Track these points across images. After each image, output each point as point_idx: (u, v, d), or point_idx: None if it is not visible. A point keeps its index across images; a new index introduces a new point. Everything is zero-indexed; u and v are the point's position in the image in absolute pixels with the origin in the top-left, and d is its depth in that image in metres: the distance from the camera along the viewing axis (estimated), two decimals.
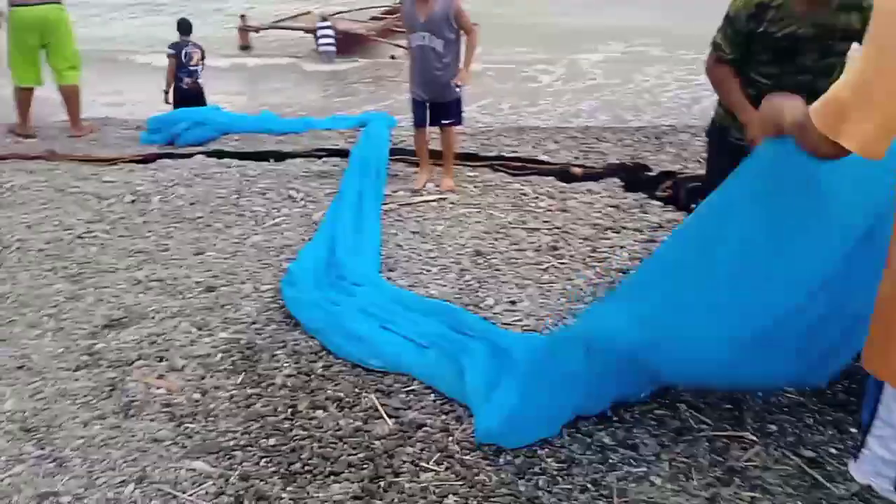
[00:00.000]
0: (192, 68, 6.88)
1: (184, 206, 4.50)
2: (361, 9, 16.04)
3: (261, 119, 6.29)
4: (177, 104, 6.83)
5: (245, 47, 15.26)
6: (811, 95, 1.59)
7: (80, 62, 6.16)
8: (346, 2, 16.18)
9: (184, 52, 6.89)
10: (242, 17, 15.72)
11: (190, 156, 5.42)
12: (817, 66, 2.69)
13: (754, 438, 2.33)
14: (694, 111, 8.28)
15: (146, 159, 5.41)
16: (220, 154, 5.42)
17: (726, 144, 2.96)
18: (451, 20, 4.35)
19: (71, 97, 6.14)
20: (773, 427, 2.38)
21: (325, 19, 14.43)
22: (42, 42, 5.86)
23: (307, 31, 14.68)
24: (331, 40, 13.80)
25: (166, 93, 6.91)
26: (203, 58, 6.98)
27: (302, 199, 4.57)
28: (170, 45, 6.98)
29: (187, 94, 6.85)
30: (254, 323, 3.15)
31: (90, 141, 6.17)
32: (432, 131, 4.78)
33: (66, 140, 6.22)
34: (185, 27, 7.00)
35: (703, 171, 4.60)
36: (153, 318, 3.22)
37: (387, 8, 15.99)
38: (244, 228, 4.19)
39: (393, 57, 11.54)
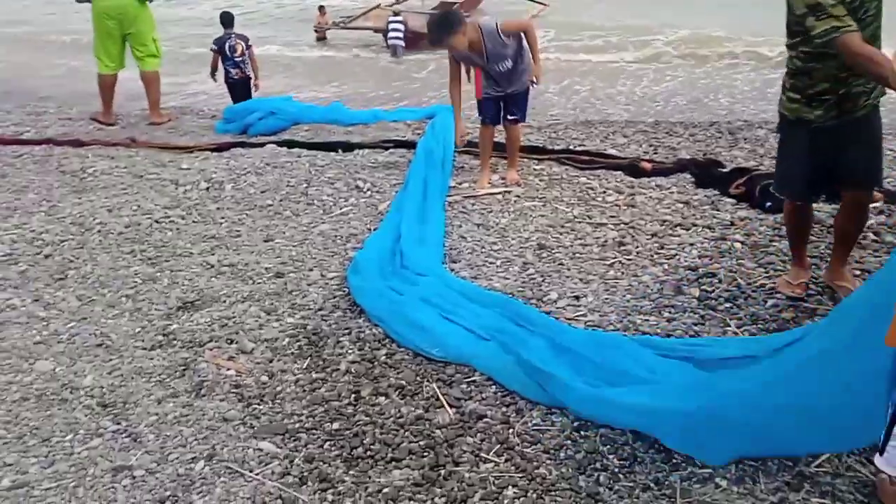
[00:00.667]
0: (237, 59, 7.03)
1: (255, 194, 4.61)
2: None
3: (330, 110, 6.40)
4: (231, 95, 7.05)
5: (321, 39, 15.60)
6: None
7: (161, 51, 6.37)
8: None
9: (227, 45, 7.05)
10: (321, 8, 16.02)
11: (262, 145, 5.56)
12: (872, 26, 2.68)
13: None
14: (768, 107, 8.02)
15: (220, 148, 5.58)
16: (290, 144, 5.53)
17: (801, 134, 2.86)
18: (503, 40, 4.35)
19: (151, 84, 6.36)
20: None
21: (397, 14, 14.56)
22: (123, 31, 6.09)
23: (376, 30, 14.85)
24: (400, 34, 13.91)
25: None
26: (249, 47, 7.15)
27: (368, 190, 4.63)
28: (214, 41, 7.17)
29: (236, 84, 7.07)
30: (320, 309, 3.21)
31: (168, 129, 6.38)
32: (497, 128, 4.79)
33: (145, 127, 6.45)
34: (227, 20, 7.14)
35: None
36: (224, 301, 3.32)
37: None
38: (312, 217, 4.28)
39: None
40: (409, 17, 14.47)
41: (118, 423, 2.50)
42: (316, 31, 15.44)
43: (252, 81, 7.15)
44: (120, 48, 6.18)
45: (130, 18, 6.03)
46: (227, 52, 7.03)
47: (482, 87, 4.58)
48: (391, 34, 13.95)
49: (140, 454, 2.33)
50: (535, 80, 4.46)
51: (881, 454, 1.59)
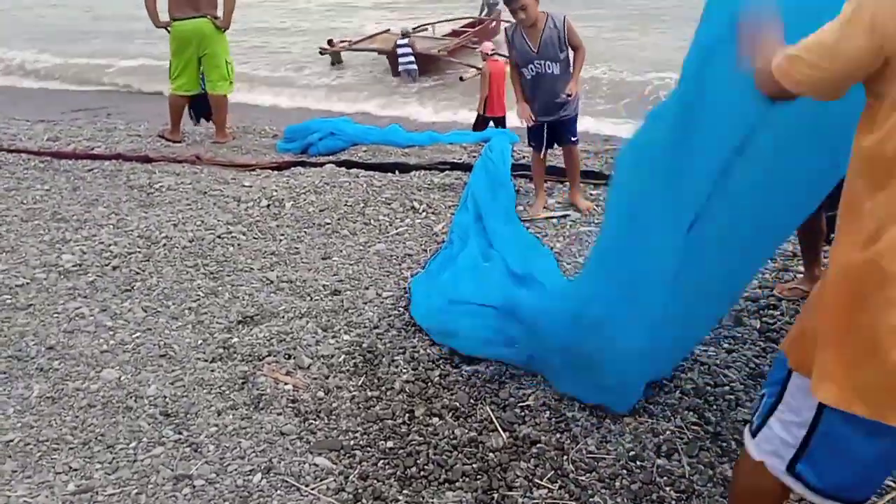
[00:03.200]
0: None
1: (314, 213, 4.71)
2: (440, 21, 16.23)
3: (387, 132, 6.49)
4: (191, 106, 7.16)
5: (335, 63, 15.90)
6: None
7: (234, 73, 6.57)
8: (427, 13, 16.56)
9: None
10: (330, 41, 16.38)
11: (321, 164, 5.67)
12: None
13: (892, 483, 2.19)
14: None
15: (281, 166, 5.71)
16: (349, 164, 5.62)
17: None
18: (564, 40, 4.31)
19: (219, 107, 6.56)
20: None
21: (405, 36, 14.68)
22: (199, 53, 6.31)
23: (381, 52, 15.05)
24: (411, 58, 14.06)
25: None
26: None
27: (424, 210, 4.68)
28: None
29: (200, 97, 7.03)
30: (375, 328, 3.25)
31: (232, 147, 6.56)
32: (551, 153, 4.78)
33: (210, 145, 6.65)
34: None
35: None
36: (283, 317, 3.39)
37: (467, 20, 16.12)
38: (369, 236, 4.34)
39: (461, 79, 11.69)
40: (417, 41, 14.66)
41: (180, 433, 2.57)
42: (321, 51, 15.60)
43: None
44: (195, 70, 6.39)
45: (206, 41, 6.24)
46: None
47: (531, 112, 4.50)
48: (402, 59, 14.11)
49: (200, 464, 2.39)
50: (569, 94, 4.36)
51: (753, 436, 1.61)
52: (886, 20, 1.27)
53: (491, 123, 8.20)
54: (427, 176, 5.30)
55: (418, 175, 5.34)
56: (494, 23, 16.67)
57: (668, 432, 2.48)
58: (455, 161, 5.65)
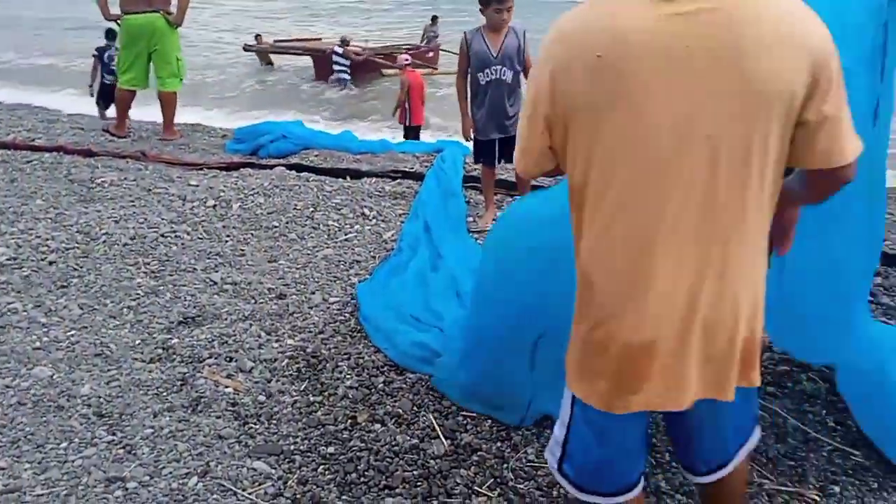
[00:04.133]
0: (113, 67, 8.44)
1: (262, 215, 4.65)
2: (380, 46, 16.39)
3: (340, 137, 6.47)
4: (100, 97, 9.26)
5: (268, 63, 15.82)
6: None
7: (184, 71, 6.46)
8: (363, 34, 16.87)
9: (107, 54, 9.24)
10: (257, 37, 16.24)
11: (271, 167, 5.61)
12: None
13: (816, 497, 2.27)
14: None
15: (230, 167, 5.63)
16: (299, 168, 5.58)
17: None
18: (523, 51, 4.41)
19: (168, 103, 6.44)
20: (836, 488, 2.31)
21: (344, 44, 14.77)
22: (150, 48, 6.19)
23: (305, 51, 15.10)
24: (345, 67, 14.17)
25: (91, 87, 9.61)
26: None
27: (374, 218, 4.67)
28: (96, 49, 9.45)
29: (107, 90, 8.87)
30: (320, 333, 3.23)
31: (179, 145, 6.44)
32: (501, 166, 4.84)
33: (155, 142, 6.52)
34: (111, 35, 9.05)
35: None
36: (225, 319, 3.33)
37: (407, 47, 16.32)
38: (317, 241, 4.31)
39: (382, 74, 12.00)
40: (351, 52, 14.77)
41: (113, 434, 2.50)
42: (246, 48, 15.49)
43: None
44: (145, 66, 6.26)
45: (158, 36, 6.13)
46: (105, 60, 9.22)
47: (481, 127, 4.57)
48: (336, 67, 14.24)
49: (134, 466, 2.34)
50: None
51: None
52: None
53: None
54: (378, 183, 5.29)
55: (370, 182, 5.33)
56: (432, 53, 16.88)
57: None
58: (407, 170, 5.66)
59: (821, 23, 1.34)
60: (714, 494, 1.80)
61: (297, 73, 15.55)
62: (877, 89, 2.16)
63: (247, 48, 15.46)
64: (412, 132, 9.04)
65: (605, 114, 1.36)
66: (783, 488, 2.30)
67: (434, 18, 17.92)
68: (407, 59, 9.72)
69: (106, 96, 8.96)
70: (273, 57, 16.16)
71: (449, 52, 16.22)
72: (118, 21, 6.24)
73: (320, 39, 16.85)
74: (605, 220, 1.43)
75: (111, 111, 9.43)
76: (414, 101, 8.88)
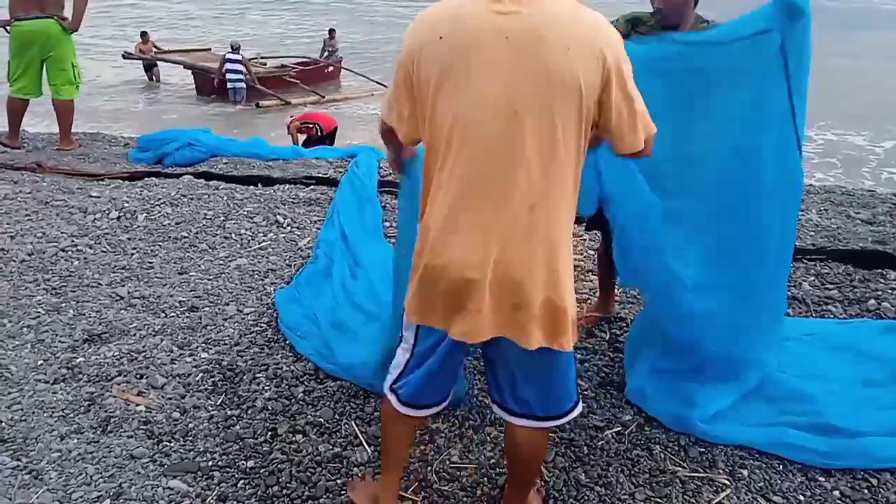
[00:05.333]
0: None
1: (169, 226, 4.50)
2: (274, 57, 16.03)
3: (250, 143, 6.33)
4: None
5: (151, 73, 14.98)
6: None
7: (81, 78, 6.18)
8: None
9: None
10: (143, 34, 15.44)
11: (178, 176, 5.44)
12: None
13: (726, 482, 2.39)
14: None
15: (134, 177, 5.42)
16: (208, 176, 5.43)
17: None
18: None
19: (64, 112, 6.14)
20: (744, 472, 2.44)
21: (235, 50, 13.83)
22: (42, 55, 5.89)
23: (186, 66, 14.48)
24: (241, 76, 13.41)
25: None
26: None
27: (288, 225, 4.60)
28: None
29: None
30: (236, 345, 3.16)
31: (78, 155, 6.16)
32: None
33: (52, 153, 6.21)
34: None
35: None
36: (134, 335, 3.21)
37: (302, 59, 16.01)
38: (229, 251, 4.21)
39: (258, 105, 11.67)
40: (249, 64, 14.10)
41: (18, 460, 2.37)
42: (126, 56, 14.72)
43: None
44: (37, 73, 5.95)
45: (52, 42, 5.83)
46: None
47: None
48: (231, 76, 13.47)
49: (41, 492, 2.22)
50: None
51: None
52: None
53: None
54: (292, 190, 5.21)
55: (282, 189, 5.24)
56: (332, 68, 16.54)
57: None
58: (321, 175, 5.60)
59: (614, 32, 1.67)
60: (521, 443, 2.00)
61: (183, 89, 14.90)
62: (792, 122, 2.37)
63: (126, 56, 14.56)
64: (320, 141, 8.95)
65: (442, 85, 1.66)
66: (695, 475, 2.41)
67: (331, 32, 17.58)
68: (287, 121, 9.60)
69: None
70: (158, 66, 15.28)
71: (351, 70, 15.92)
72: (6, 27, 5.91)
73: (209, 50, 16.09)
74: (438, 179, 1.73)
75: None
76: (315, 119, 8.92)
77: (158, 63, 15.34)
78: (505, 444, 2.14)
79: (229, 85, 13.49)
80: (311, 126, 9.10)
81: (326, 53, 17.25)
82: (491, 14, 1.63)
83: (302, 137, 9.25)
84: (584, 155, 1.73)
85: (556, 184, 1.68)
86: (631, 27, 3.08)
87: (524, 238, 1.68)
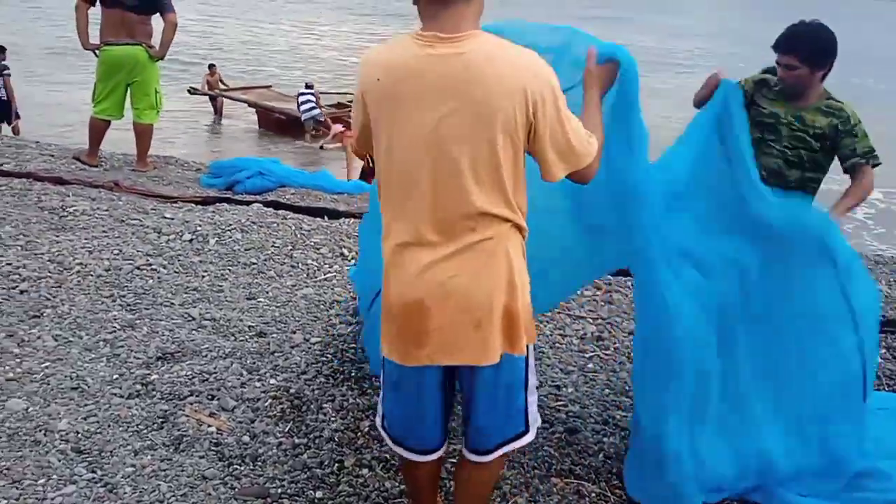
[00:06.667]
0: None
1: (239, 251, 4.61)
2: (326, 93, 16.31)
3: (317, 176, 6.49)
4: None
5: (218, 110, 15.47)
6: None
7: (162, 103, 6.43)
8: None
9: None
10: (211, 67, 15.93)
11: (248, 203, 5.58)
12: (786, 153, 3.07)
13: None
14: None
15: (206, 201, 5.57)
16: (277, 205, 5.56)
17: None
18: None
19: (143, 135, 6.39)
20: None
21: (309, 87, 14.70)
22: (128, 80, 6.15)
23: (251, 104, 14.99)
24: (313, 104, 14.02)
25: None
26: (2, 74, 10.78)
27: (353, 258, 4.67)
28: None
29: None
30: (303, 373, 3.20)
31: (152, 177, 6.37)
32: None
33: (128, 173, 6.43)
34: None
35: None
36: (205, 356, 3.28)
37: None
38: (296, 279, 4.29)
39: (322, 147, 12.03)
40: (293, 103, 14.63)
41: (93, 472, 2.43)
42: (192, 91, 15.09)
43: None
44: (121, 97, 6.22)
45: (139, 68, 6.10)
46: None
47: None
48: (304, 107, 14.08)
49: None
50: None
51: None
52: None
53: None
54: (357, 224, 5.29)
55: (348, 222, 5.33)
56: None
57: (593, 494, 2.55)
58: None
59: (542, 67, 1.78)
60: (462, 478, 2.11)
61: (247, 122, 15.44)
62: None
63: (192, 92, 15.12)
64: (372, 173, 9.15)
65: (382, 120, 1.84)
66: None
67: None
68: (339, 129, 9.93)
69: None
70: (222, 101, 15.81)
71: None
72: (96, 51, 6.20)
73: (270, 87, 16.61)
74: (385, 210, 1.89)
75: (6, 129, 10.98)
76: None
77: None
78: (455, 480, 2.19)
79: (306, 116, 13.98)
80: (365, 156, 9.26)
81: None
82: (423, 57, 1.77)
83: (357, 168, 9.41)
84: (523, 180, 1.86)
85: (496, 201, 1.80)
86: (756, 88, 3.08)
87: (473, 258, 1.81)
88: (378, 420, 2.10)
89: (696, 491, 2.41)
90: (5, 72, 10.95)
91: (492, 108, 1.73)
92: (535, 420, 2.05)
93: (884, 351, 3.79)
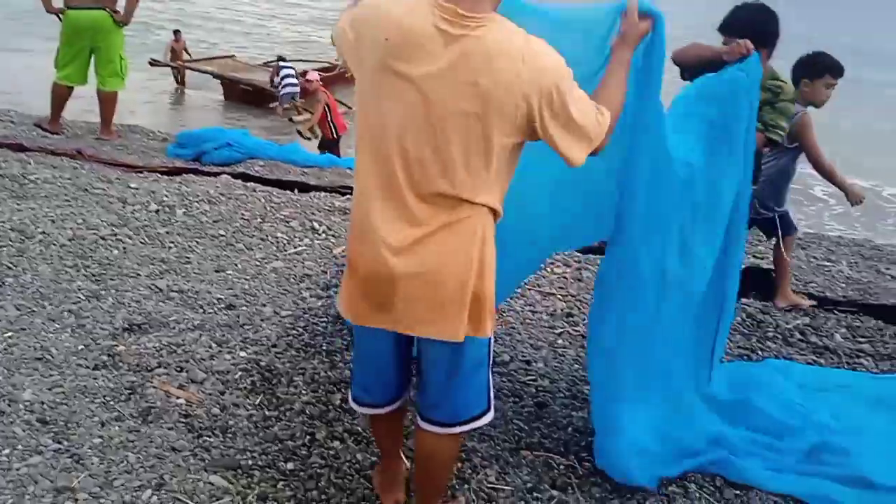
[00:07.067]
0: None
1: (207, 223, 4.55)
2: (297, 61, 16.02)
3: (287, 149, 6.40)
4: None
5: (180, 81, 15.15)
6: None
7: (127, 70, 6.27)
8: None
9: None
10: (176, 32, 15.48)
11: (216, 174, 5.49)
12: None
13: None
14: None
15: (172, 171, 5.48)
16: (245, 177, 5.48)
17: None
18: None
19: (108, 102, 6.24)
20: None
21: (283, 59, 14.35)
22: (92, 45, 5.99)
23: (215, 76, 14.66)
24: (294, 82, 13.51)
25: None
26: None
27: (324, 232, 4.64)
28: None
29: None
30: (273, 346, 3.18)
31: (116, 146, 6.23)
32: None
33: (92, 141, 6.28)
34: None
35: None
36: (174, 328, 3.24)
37: (322, 65, 16.00)
38: (266, 252, 4.24)
39: (291, 119, 11.99)
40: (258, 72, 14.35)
41: (59, 443, 2.39)
42: (153, 63, 14.49)
43: None
44: (85, 62, 6.05)
45: (102, 33, 5.93)
46: None
47: None
48: (285, 81, 13.70)
49: (83, 477, 2.24)
50: None
51: None
52: None
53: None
54: (327, 198, 5.25)
55: (318, 196, 5.28)
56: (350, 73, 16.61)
57: (562, 467, 2.58)
58: None
59: (552, 59, 1.77)
60: (426, 450, 2.10)
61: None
62: None
63: (153, 63, 14.66)
64: (332, 145, 8.94)
65: (378, 84, 1.78)
66: None
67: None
68: (316, 78, 9.73)
69: None
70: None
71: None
72: (59, 15, 6.02)
73: (233, 57, 16.23)
74: (361, 163, 1.87)
75: None
76: (335, 113, 8.96)
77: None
78: (414, 453, 2.20)
79: (285, 91, 13.57)
80: (329, 125, 9.08)
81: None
82: (439, 32, 1.72)
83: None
84: (512, 171, 1.87)
85: (480, 185, 1.80)
86: None
87: (449, 238, 1.81)
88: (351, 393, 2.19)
89: (648, 463, 2.49)
90: None
91: (496, 98, 1.72)
92: (493, 399, 2.08)
93: (844, 330, 3.90)
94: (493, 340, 2.01)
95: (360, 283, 1.89)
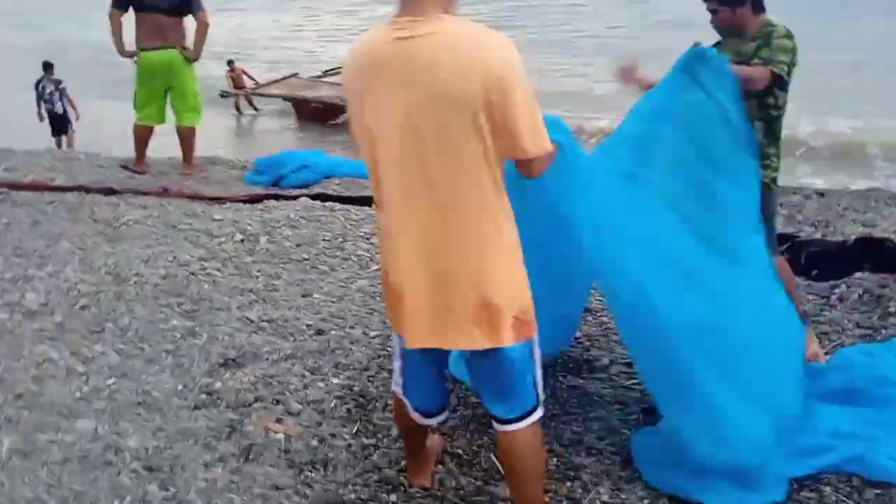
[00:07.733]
0: (48, 97, 11.24)
1: (290, 248, 4.58)
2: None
3: (361, 164, 6.38)
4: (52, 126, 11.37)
5: (241, 106, 15.25)
6: None
7: (201, 105, 6.43)
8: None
9: (40, 86, 11.28)
10: (230, 63, 15.48)
11: (295, 198, 5.54)
12: None
13: None
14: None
15: (253, 199, 5.56)
16: (324, 197, 5.51)
17: None
18: None
19: (187, 138, 6.41)
20: None
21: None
22: (167, 84, 6.16)
23: (286, 98, 14.63)
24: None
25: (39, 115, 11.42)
26: (58, 89, 11.34)
27: None
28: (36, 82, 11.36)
29: (52, 119, 11.43)
30: (365, 369, 3.14)
31: (199, 179, 6.39)
32: None
33: (175, 177, 6.47)
34: (46, 67, 11.46)
35: (820, 235, 4.43)
36: (267, 359, 3.24)
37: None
38: (349, 272, 4.23)
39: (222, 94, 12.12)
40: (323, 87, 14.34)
41: (166, 489, 2.40)
42: (224, 94, 14.92)
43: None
44: (162, 101, 6.24)
45: (175, 71, 6.10)
46: (40, 91, 11.26)
47: None
48: None
49: None
50: None
51: None
52: None
53: None
54: None
55: None
56: None
57: None
58: None
59: (504, 50, 1.79)
60: (504, 450, 2.12)
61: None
62: None
63: (224, 95, 14.92)
64: None
65: (361, 104, 1.91)
66: None
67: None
68: None
69: (52, 126, 11.49)
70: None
71: None
72: (134, 58, 6.22)
73: (296, 75, 16.31)
74: (372, 180, 1.97)
75: (62, 139, 11.65)
76: None
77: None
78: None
79: None
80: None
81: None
82: (392, 41, 1.83)
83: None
84: (498, 159, 1.86)
85: (470, 187, 1.84)
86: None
87: (445, 240, 1.87)
88: (399, 389, 2.23)
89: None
90: (61, 86, 11.52)
91: (453, 94, 1.77)
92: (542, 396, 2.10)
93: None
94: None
95: (386, 297, 2.07)
